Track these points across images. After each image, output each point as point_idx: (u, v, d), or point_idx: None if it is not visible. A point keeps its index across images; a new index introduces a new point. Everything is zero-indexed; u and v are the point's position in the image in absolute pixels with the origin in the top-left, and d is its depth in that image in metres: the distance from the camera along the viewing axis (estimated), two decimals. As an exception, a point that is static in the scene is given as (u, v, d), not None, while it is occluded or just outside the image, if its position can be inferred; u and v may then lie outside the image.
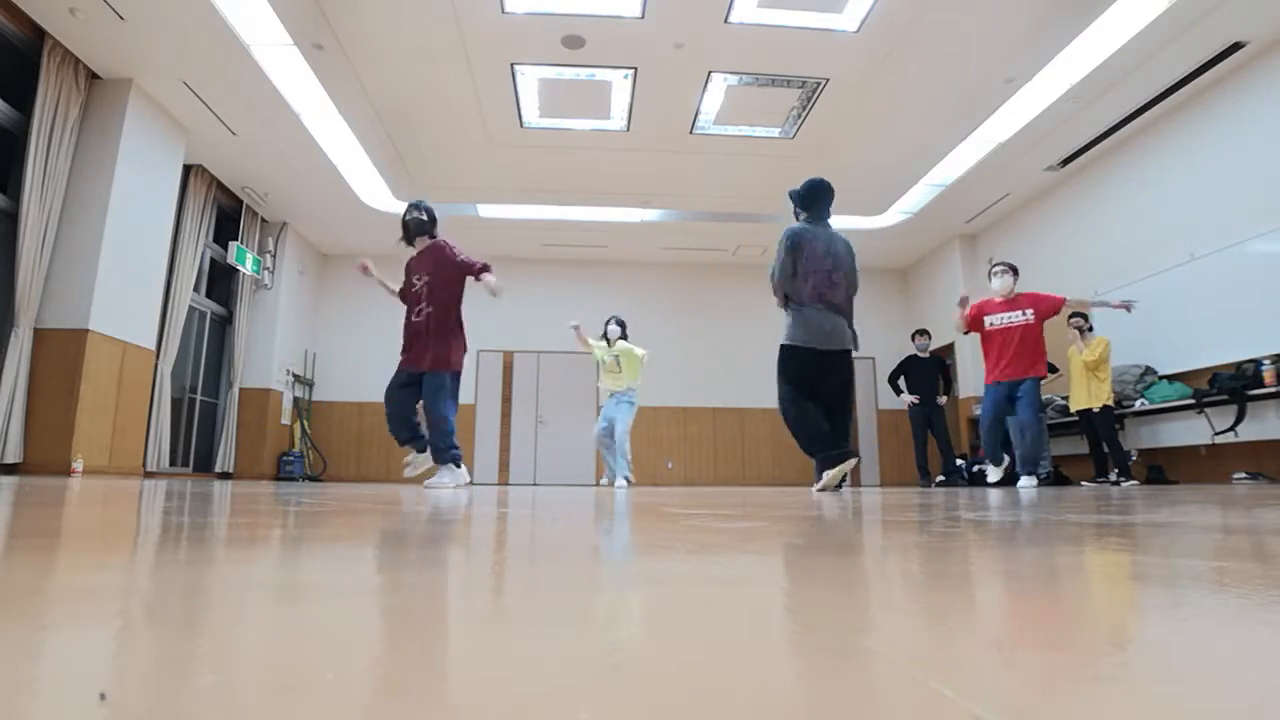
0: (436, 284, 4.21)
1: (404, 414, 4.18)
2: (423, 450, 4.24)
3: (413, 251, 4.40)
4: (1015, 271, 5.51)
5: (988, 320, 5.40)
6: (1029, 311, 5.35)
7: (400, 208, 8.60)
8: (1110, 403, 5.98)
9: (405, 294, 4.36)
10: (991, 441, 5.44)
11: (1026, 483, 5.19)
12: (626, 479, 6.38)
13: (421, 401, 4.16)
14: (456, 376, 4.19)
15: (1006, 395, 5.38)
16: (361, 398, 9.76)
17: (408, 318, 4.26)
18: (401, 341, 4.28)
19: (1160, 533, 1.14)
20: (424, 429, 4.22)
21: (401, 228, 4.35)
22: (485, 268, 4.28)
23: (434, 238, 4.38)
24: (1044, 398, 7.09)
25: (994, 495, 3.35)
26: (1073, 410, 6.33)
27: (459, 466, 4.13)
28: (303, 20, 5.30)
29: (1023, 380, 5.32)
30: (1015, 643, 0.40)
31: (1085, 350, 6.04)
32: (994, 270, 5.51)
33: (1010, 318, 5.35)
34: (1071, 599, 0.56)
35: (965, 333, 5.69)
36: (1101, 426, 6.05)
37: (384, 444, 9.67)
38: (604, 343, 6.70)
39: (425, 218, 4.30)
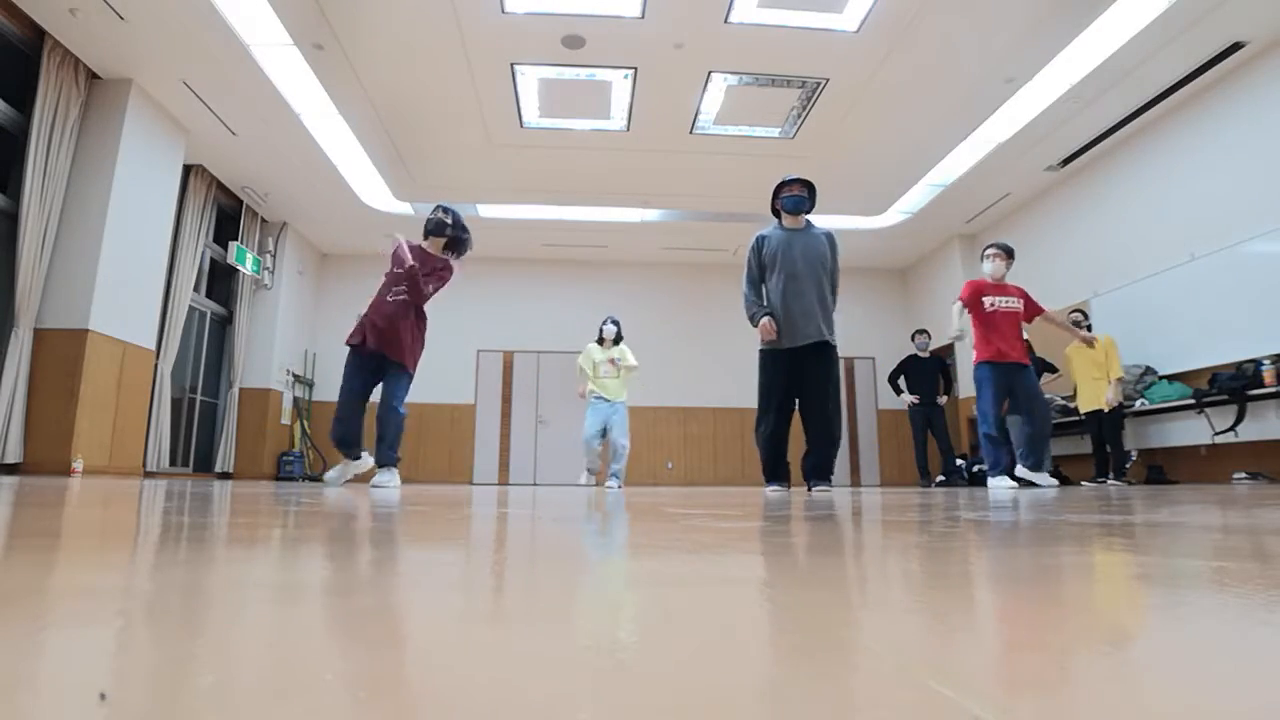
0: (417, 281, 4.12)
1: (362, 410, 4.10)
2: (357, 458, 4.18)
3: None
4: (1010, 255, 5.15)
5: (987, 301, 5.05)
6: (1019, 301, 5.09)
7: (400, 207, 8.64)
8: (1120, 402, 6.00)
9: (393, 271, 4.23)
10: (999, 426, 4.97)
11: (1045, 480, 4.83)
12: (616, 477, 6.23)
13: (381, 397, 4.10)
14: (410, 378, 4.18)
15: (1007, 382, 5.01)
16: (361, 398, 9.74)
17: (381, 295, 4.14)
18: (363, 316, 4.13)
19: (1160, 533, 1.14)
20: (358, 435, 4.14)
21: (427, 220, 4.31)
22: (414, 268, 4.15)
23: (450, 248, 4.26)
24: (1044, 397, 7.10)
25: (996, 496, 3.34)
26: (1083, 411, 6.31)
27: (394, 468, 4.15)
28: (303, 20, 5.30)
29: (1022, 366, 4.99)
30: (1015, 643, 0.40)
31: (1115, 371, 5.96)
32: (988, 253, 5.17)
33: (1007, 302, 5.06)
34: (1071, 599, 0.56)
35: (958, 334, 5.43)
36: (1110, 428, 6.06)
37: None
38: (595, 345, 6.44)
39: (449, 221, 4.22)
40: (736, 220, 8.98)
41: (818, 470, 3.90)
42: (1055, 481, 4.95)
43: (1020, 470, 4.94)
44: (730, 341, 10.33)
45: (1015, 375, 4.98)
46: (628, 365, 6.35)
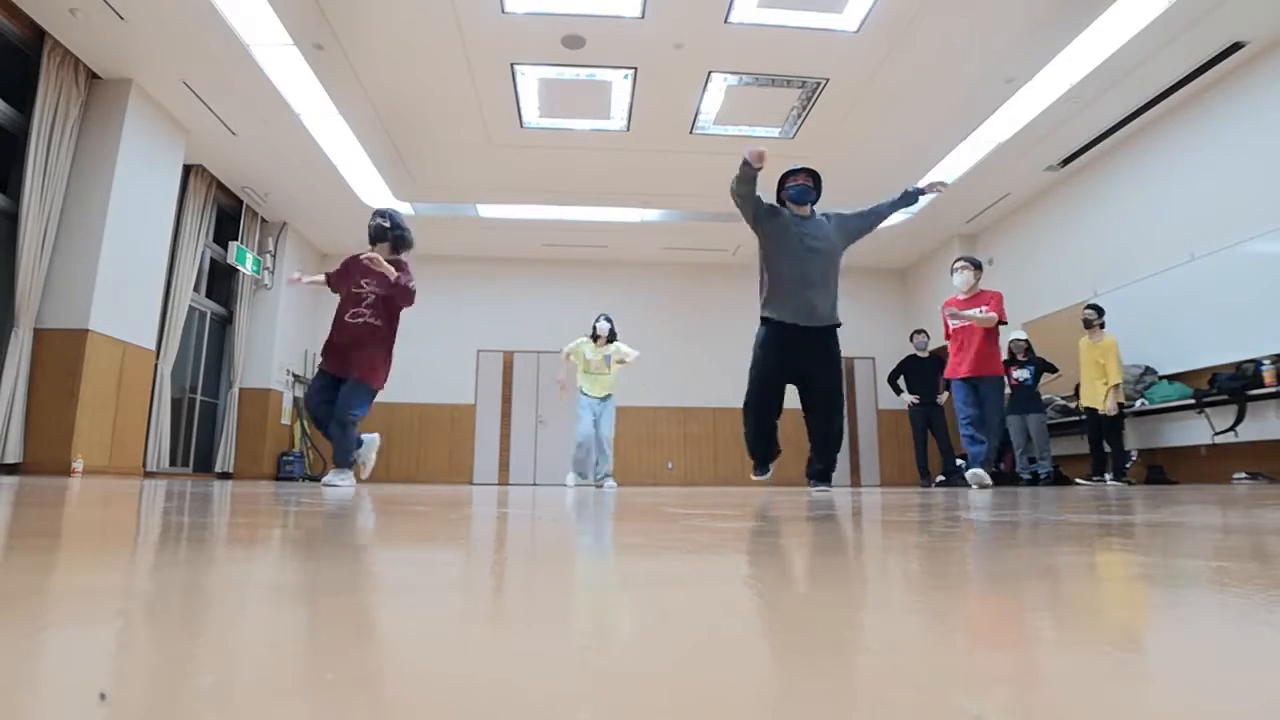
0: (387, 300, 4.15)
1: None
2: (359, 445, 4.23)
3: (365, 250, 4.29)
4: (977, 266, 5.32)
5: (951, 322, 5.24)
6: (988, 309, 5.15)
7: (400, 207, 8.63)
8: (1123, 401, 6.01)
9: (340, 287, 4.23)
10: (978, 423, 5.12)
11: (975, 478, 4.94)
12: (611, 477, 6.37)
13: (337, 408, 4.08)
14: (374, 394, 4.19)
15: (974, 389, 5.19)
16: (361, 398, 9.76)
17: (340, 316, 4.16)
18: (328, 337, 4.16)
19: (1160, 533, 1.14)
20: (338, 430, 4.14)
21: (368, 229, 4.30)
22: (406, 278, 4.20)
23: (398, 251, 4.29)
24: (1044, 397, 7.10)
25: (991, 496, 3.34)
26: (1083, 405, 6.28)
27: (350, 469, 4.13)
28: (303, 20, 5.30)
29: (984, 378, 5.13)
30: (1015, 642, 0.40)
31: (1113, 376, 5.96)
32: (955, 266, 5.33)
33: (972, 314, 5.16)
34: (1071, 599, 0.56)
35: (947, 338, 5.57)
36: (1110, 428, 6.06)
37: (383, 444, 9.68)
38: (587, 340, 6.49)
39: (387, 225, 4.24)
40: (737, 220, 8.87)
41: (821, 475, 3.86)
42: (989, 482, 5.00)
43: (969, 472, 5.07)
44: (730, 341, 10.32)
45: (980, 384, 5.15)
46: (628, 357, 6.43)
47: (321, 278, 4.42)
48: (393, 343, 4.27)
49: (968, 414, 5.13)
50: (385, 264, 4.01)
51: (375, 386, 4.16)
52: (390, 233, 4.24)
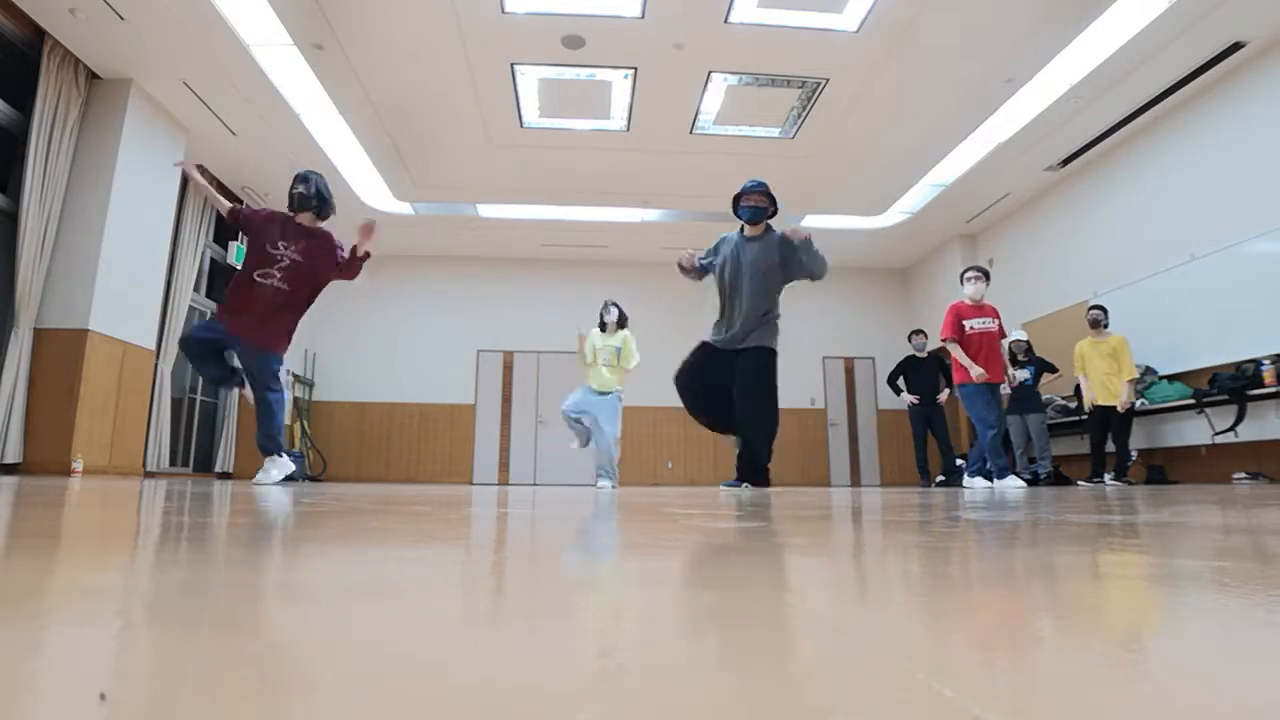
0: (306, 269, 3.92)
1: (212, 354, 3.99)
2: (241, 384, 4.07)
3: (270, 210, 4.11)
4: (988, 277, 5.60)
5: (968, 324, 5.41)
6: (994, 322, 5.43)
7: (400, 207, 8.63)
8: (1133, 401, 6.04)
9: (254, 238, 3.95)
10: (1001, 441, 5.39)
11: (1013, 482, 5.22)
12: (606, 478, 5.82)
13: (254, 388, 4.01)
14: (281, 362, 4.07)
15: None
16: (362, 398, 9.76)
17: (248, 274, 3.90)
18: (232, 297, 3.93)
19: (1160, 533, 1.14)
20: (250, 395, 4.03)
21: (289, 197, 4.02)
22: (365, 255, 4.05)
23: (321, 219, 4.05)
24: (1044, 397, 7.10)
25: (994, 496, 3.34)
26: (1098, 402, 6.23)
27: (282, 456, 4.00)
28: (303, 20, 5.30)
29: (995, 385, 5.43)
30: (1015, 642, 0.40)
31: (1128, 371, 5.99)
32: (969, 275, 5.53)
33: (985, 323, 5.41)
34: (1072, 599, 0.56)
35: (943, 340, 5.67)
36: (1119, 428, 6.06)
37: (383, 444, 9.68)
38: (596, 332, 6.01)
39: (310, 193, 3.98)
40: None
41: (750, 469, 3.95)
42: (1021, 483, 5.29)
43: (967, 478, 5.41)
44: (730, 341, 10.32)
45: (994, 389, 5.45)
46: (626, 366, 5.94)
47: (224, 203, 4.02)
48: (304, 312, 4.08)
49: (997, 415, 5.39)
50: (359, 258, 3.99)
51: (280, 354, 4.02)
52: (311, 201, 3.97)
